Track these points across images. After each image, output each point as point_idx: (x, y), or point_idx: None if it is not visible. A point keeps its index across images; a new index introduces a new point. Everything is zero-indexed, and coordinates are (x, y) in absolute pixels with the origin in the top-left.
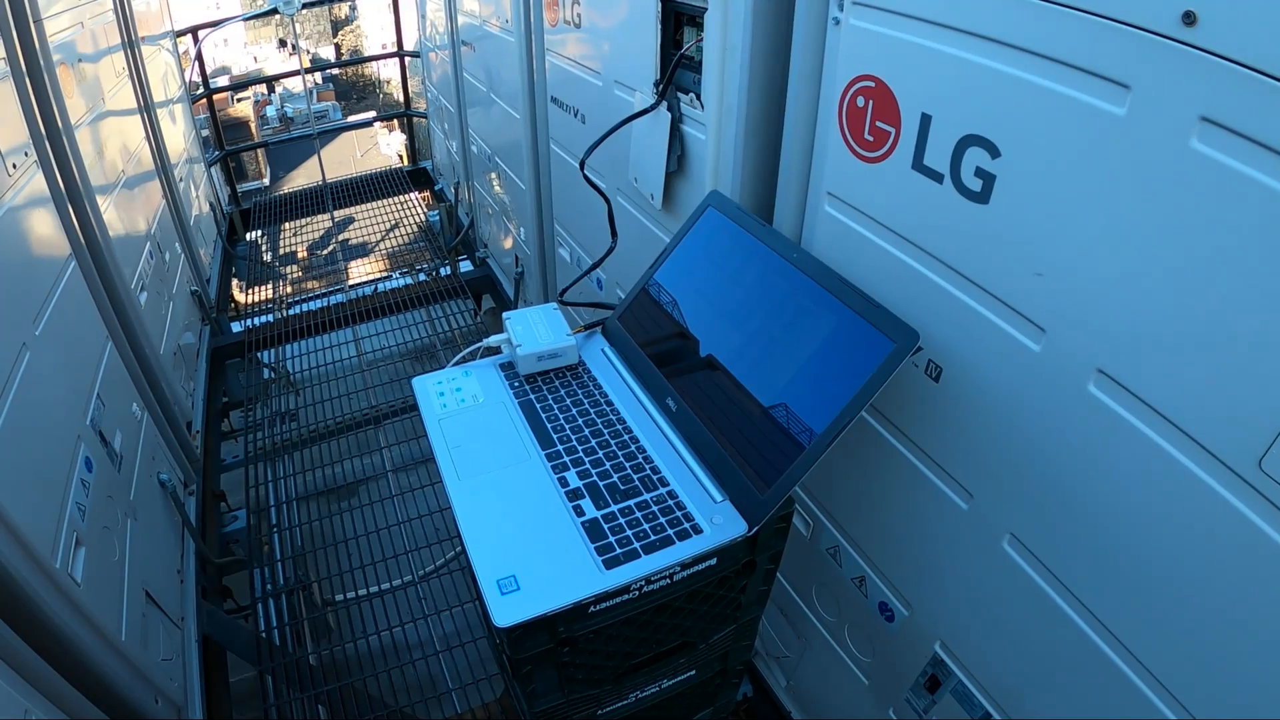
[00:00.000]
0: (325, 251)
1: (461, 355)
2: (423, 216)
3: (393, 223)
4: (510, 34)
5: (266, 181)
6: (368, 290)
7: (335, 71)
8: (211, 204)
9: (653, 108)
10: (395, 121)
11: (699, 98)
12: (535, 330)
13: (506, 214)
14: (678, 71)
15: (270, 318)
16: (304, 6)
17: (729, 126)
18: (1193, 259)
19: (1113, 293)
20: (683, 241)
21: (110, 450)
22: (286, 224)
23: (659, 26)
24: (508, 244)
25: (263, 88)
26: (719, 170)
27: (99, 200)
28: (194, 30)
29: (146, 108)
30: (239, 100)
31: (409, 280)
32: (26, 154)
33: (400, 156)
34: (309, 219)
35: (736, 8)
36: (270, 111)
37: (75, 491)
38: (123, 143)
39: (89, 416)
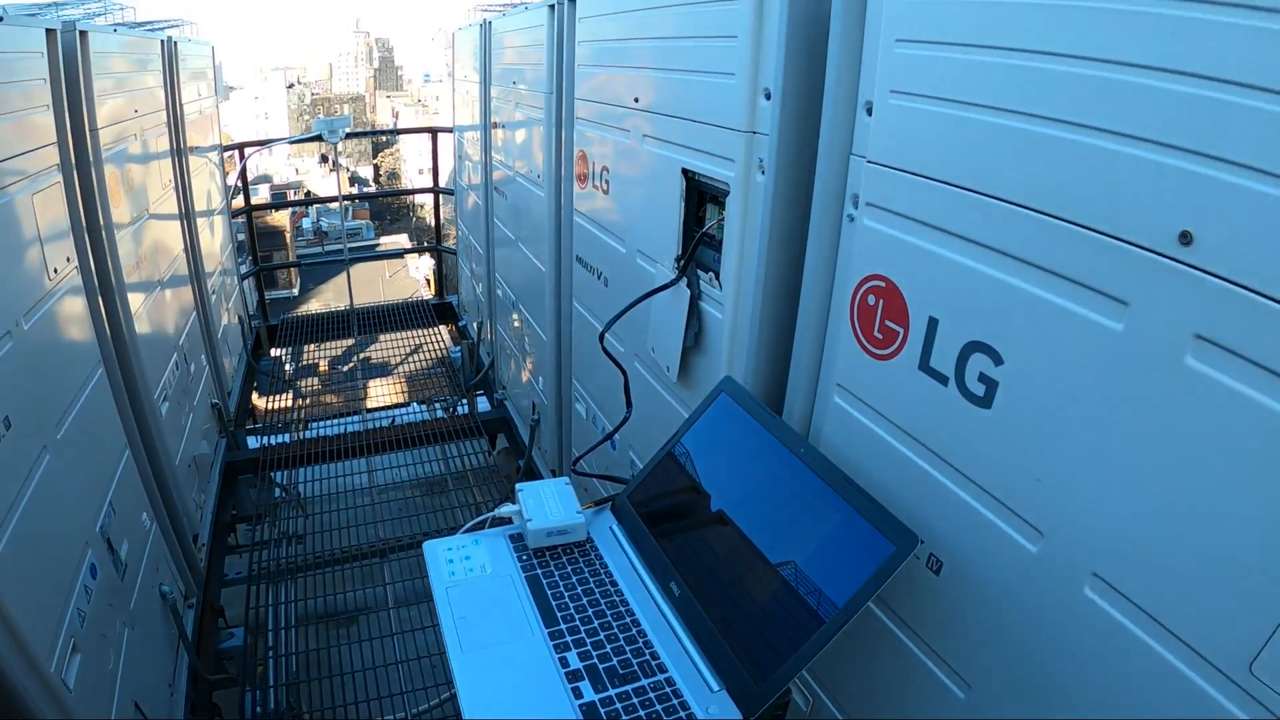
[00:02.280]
0: (346, 374)
1: (472, 524)
2: (445, 351)
3: (415, 354)
4: (541, 189)
5: (295, 291)
6: (384, 421)
7: (371, 190)
8: (240, 317)
9: (672, 284)
10: None
11: (718, 277)
12: (546, 505)
13: (526, 361)
14: (699, 247)
15: (287, 437)
16: (347, 136)
17: (746, 309)
18: (1186, 471)
19: (1109, 501)
20: (695, 425)
21: (116, 558)
22: (311, 345)
23: (683, 203)
24: (526, 389)
25: (300, 198)
26: (734, 351)
27: (133, 307)
28: (240, 147)
29: (187, 215)
30: (277, 211)
31: (426, 415)
32: (69, 259)
33: (428, 281)
34: (334, 342)
35: (757, 193)
36: (306, 224)
37: (78, 597)
38: (162, 251)
39: (99, 523)
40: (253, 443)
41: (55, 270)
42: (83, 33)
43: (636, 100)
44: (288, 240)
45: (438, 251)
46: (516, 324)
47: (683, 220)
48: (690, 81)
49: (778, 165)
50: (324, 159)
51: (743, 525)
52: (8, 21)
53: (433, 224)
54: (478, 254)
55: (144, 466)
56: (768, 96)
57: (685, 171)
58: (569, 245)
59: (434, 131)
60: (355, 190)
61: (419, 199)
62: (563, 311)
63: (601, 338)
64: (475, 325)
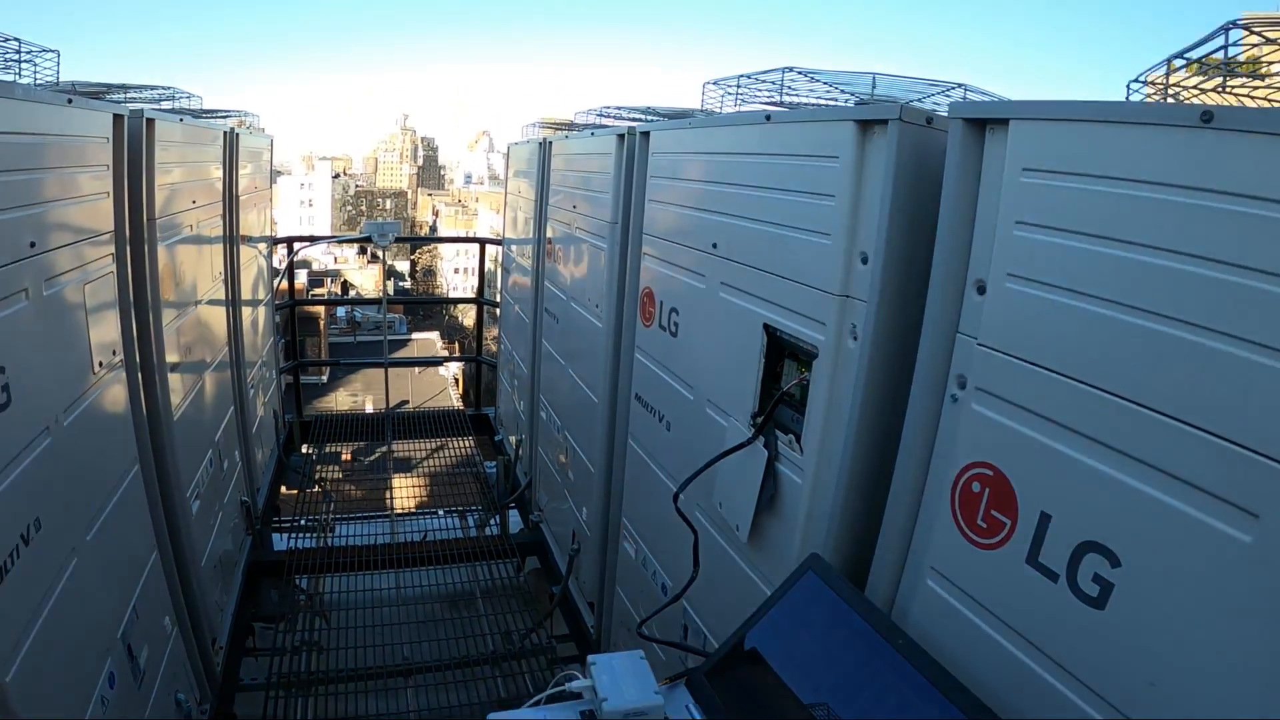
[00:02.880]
0: (377, 479)
1: (538, 698)
2: (479, 464)
3: (448, 465)
4: (599, 319)
5: (324, 379)
6: (414, 533)
7: (406, 285)
8: (275, 411)
9: (748, 443)
10: (456, 347)
11: (799, 440)
12: (621, 682)
13: (569, 488)
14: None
15: (312, 540)
16: (397, 241)
17: (829, 477)
18: None
19: (1228, 709)
20: (779, 603)
21: (135, 665)
22: (343, 444)
23: (762, 359)
24: (566, 515)
25: (336, 287)
26: (813, 519)
27: (173, 402)
28: (289, 241)
29: (234, 305)
30: (314, 298)
31: (458, 531)
32: (115, 353)
33: (456, 380)
34: (366, 443)
35: (848, 359)
36: (340, 312)
37: (94, 709)
38: (206, 343)
39: (121, 629)
40: (278, 541)
41: (100, 364)
42: (149, 120)
43: (715, 246)
44: (321, 328)
45: (478, 362)
46: (560, 449)
47: (761, 377)
48: (778, 235)
49: (873, 333)
50: (362, 250)
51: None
52: (76, 104)
53: (471, 328)
54: (521, 371)
55: (170, 569)
56: (865, 261)
57: (767, 327)
58: (627, 381)
59: (482, 242)
60: (391, 283)
61: (454, 296)
62: (615, 446)
63: (676, 499)
64: (513, 441)
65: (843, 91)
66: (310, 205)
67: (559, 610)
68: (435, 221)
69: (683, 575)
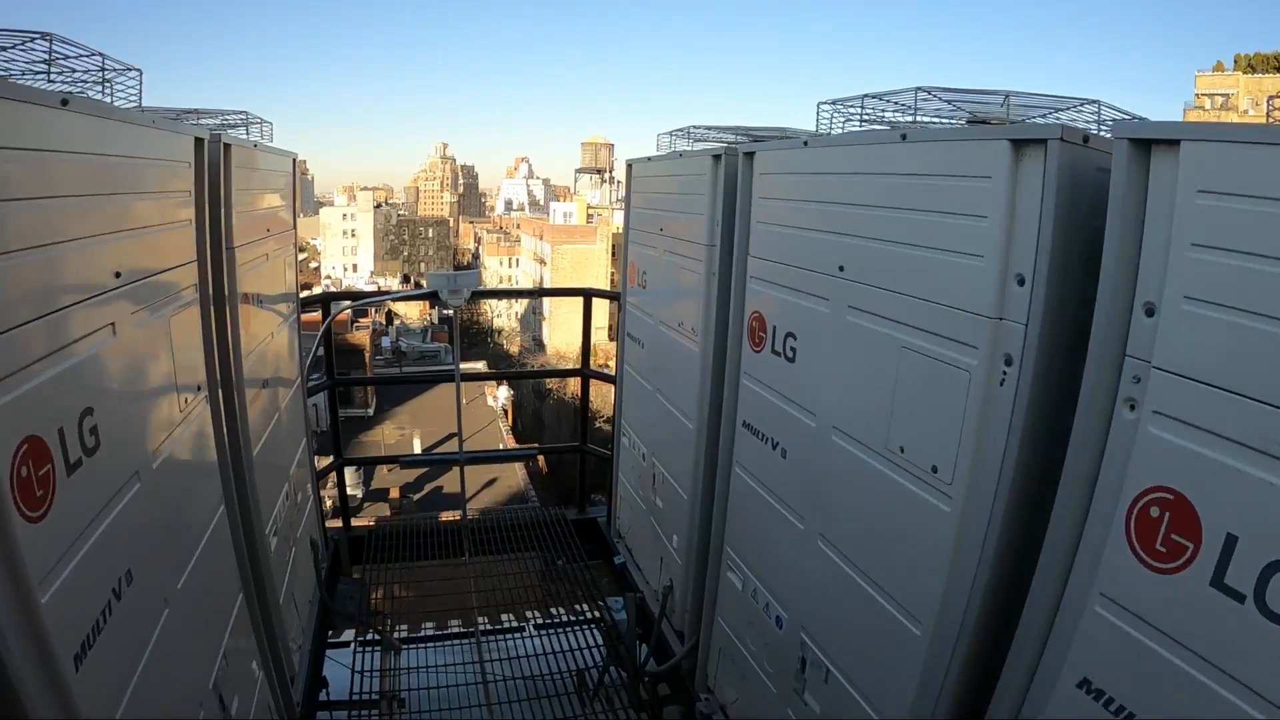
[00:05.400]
0: (453, 608)
1: None
2: (598, 599)
3: (553, 595)
4: (942, 497)
5: (371, 411)
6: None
7: (449, 312)
8: (313, 540)
9: None
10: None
11: None
12: None
13: (793, 706)
14: None
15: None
16: (474, 297)
17: None
18: None
19: None
20: None
21: None
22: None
23: None
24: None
25: (381, 317)
26: None
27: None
28: (325, 300)
29: (226, 412)
30: (357, 329)
31: (572, 691)
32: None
33: (505, 411)
34: (439, 562)
35: None
36: (385, 343)
37: None
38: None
39: None
40: None
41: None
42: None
43: None
44: (366, 359)
45: (581, 452)
46: (774, 646)
47: None
48: None
49: None
50: (406, 278)
51: None
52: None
53: (516, 357)
54: (669, 488)
55: None
56: None
57: None
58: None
59: (588, 294)
60: (435, 311)
61: (497, 324)
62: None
63: None
64: (651, 577)
65: None
66: (353, 236)
67: None
68: (478, 249)
69: None
